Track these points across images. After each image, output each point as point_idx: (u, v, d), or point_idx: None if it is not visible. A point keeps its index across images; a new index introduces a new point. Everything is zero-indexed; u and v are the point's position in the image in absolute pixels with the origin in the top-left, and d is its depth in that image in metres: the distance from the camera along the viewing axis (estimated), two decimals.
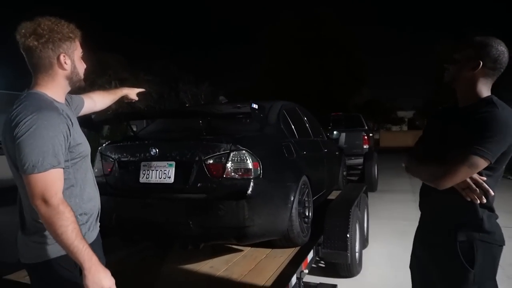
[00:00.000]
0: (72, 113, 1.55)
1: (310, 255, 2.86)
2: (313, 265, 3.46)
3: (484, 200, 1.44)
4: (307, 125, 4.21)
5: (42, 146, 1.26)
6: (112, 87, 18.50)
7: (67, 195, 1.36)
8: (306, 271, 2.69)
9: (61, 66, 1.39)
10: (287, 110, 3.69)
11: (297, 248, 2.93)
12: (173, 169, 2.60)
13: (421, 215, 1.77)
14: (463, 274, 1.48)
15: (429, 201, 1.68)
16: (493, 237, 1.51)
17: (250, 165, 2.51)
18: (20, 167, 1.27)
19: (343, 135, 5.93)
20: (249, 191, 2.46)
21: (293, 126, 3.59)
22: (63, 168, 1.34)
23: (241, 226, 2.45)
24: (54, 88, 1.42)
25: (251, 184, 2.49)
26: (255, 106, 2.66)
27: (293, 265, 2.60)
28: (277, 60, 23.07)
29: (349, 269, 3.50)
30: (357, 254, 3.61)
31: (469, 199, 1.46)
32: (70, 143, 1.38)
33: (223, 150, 2.52)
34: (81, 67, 1.49)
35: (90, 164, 1.57)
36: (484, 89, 1.53)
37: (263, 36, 24.70)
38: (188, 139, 2.71)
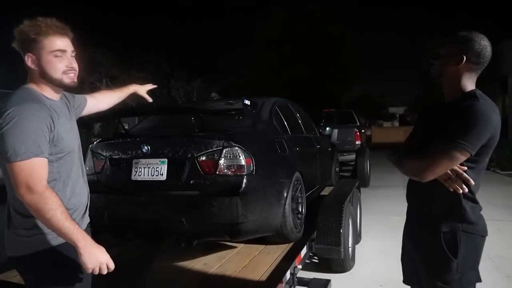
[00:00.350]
0: (67, 109, 1.55)
1: (304, 251, 2.87)
2: (307, 261, 3.47)
3: (466, 190, 1.48)
4: (300, 121, 4.21)
5: (25, 135, 1.27)
6: (103, 85, 18.35)
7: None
8: (300, 266, 2.70)
9: (30, 66, 1.42)
10: (280, 106, 3.68)
11: (291, 244, 2.94)
12: (166, 166, 2.58)
13: (408, 207, 1.80)
14: (447, 263, 1.52)
15: (414, 194, 1.72)
16: (476, 228, 1.54)
17: (243, 161, 2.50)
18: (4, 156, 1.28)
19: (336, 131, 5.96)
20: (242, 188, 2.46)
21: (285, 122, 3.59)
22: (47, 160, 1.34)
23: (235, 222, 2.45)
24: (42, 85, 1.44)
25: (244, 180, 2.48)
26: (247, 102, 2.65)
27: (287, 261, 2.60)
28: (269, 55, 23.03)
29: (342, 264, 3.53)
30: (350, 249, 3.63)
31: (451, 190, 1.49)
32: (54, 136, 1.37)
33: (216, 147, 2.51)
34: (53, 67, 1.41)
35: (78, 160, 1.54)
36: (469, 83, 1.56)
37: (256, 31, 24.56)
38: (180, 136, 2.69)
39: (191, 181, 2.51)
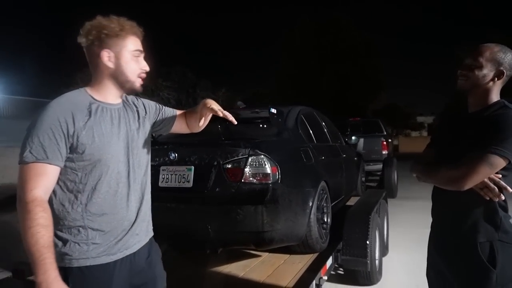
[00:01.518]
0: (126, 115, 1.41)
1: (329, 262, 2.83)
2: (332, 272, 3.41)
3: (503, 198, 1.45)
4: (325, 130, 4.18)
5: (33, 137, 1.19)
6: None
7: (70, 200, 1.26)
8: (325, 277, 2.66)
9: (104, 63, 1.32)
10: (305, 115, 3.67)
11: (316, 254, 2.90)
12: (192, 173, 2.62)
13: (434, 220, 1.74)
14: (486, 275, 1.46)
15: (443, 204, 1.66)
16: (511, 237, 1.50)
17: (268, 170, 2.50)
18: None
19: (362, 140, 5.87)
20: (267, 196, 2.45)
21: (311, 131, 3.57)
22: (53, 166, 1.21)
23: (260, 231, 2.44)
24: (97, 86, 1.35)
25: (270, 189, 2.48)
26: (273, 111, 2.66)
27: (312, 271, 2.57)
28: (294, 64, 23.04)
29: (368, 277, 3.43)
30: (377, 261, 3.54)
31: (487, 198, 1.46)
32: (75, 139, 1.23)
33: (242, 155, 2.52)
34: (130, 68, 1.34)
35: (116, 174, 1.33)
36: (496, 94, 1.56)
37: (281, 40, 24.70)
38: (207, 144, 2.72)
39: (217, 188, 2.53)
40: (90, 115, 1.28)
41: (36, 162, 1.18)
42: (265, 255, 2.94)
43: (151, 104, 1.57)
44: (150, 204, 1.52)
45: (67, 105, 1.25)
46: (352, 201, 4.42)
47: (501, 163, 1.41)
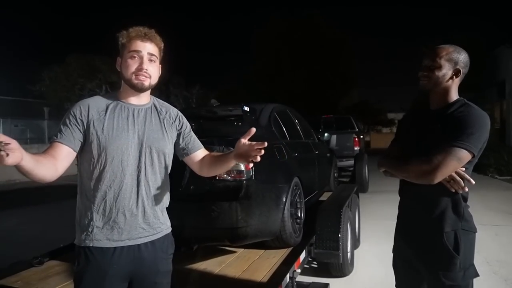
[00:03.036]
0: (148, 116, 1.54)
1: (303, 255, 2.90)
2: (306, 265, 3.49)
3: (466, 189, 1.56)
4: (298, 127, 4.25)
5: (60, 123, 1.46)
6: (102, 91, 18.39)
7: (86, 185, 1.46)
8: (299, 270, 2.73)
9: (117, 68, 1.56)
10: (278, 112, 3.73)
11: (290, 249, 2.96)
12: None
13: (402, 212, 1.83)
14: (451, 261, 1.58)
15: (411, 198, 1.75)
16: (470, 225, 1.63)
17: (242, 166, 2.54)
18: None
19: (334, 137, 6.00)
20: (241, 193, 2.49)
21: (284, 128, 3.63)
22: (68, 146, 1.41)
23: (234, 227, 2.48)
24: (121, 89, 1.56)
25: (243, 185, 2.52)
26: (246, 108, 2.70)
27: (286, 265, 2.63)
28: (266, 61, 23.09)
29: (341, 269, 3.55)
30: (349, 253, 3.66)
31: (453, 190, 1.56)
32: (86, 130, 1.44)
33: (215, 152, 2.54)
34: (126, 67, 1.48)
35: (121, 166, 1.44)
36: (455, 91, 1.67)
37: (252, 36, 24.65)
38: None
39: (191, 186, 2.55)
40: (106, 111, 1.47)
41: (53, 142, 1.41)
42: (240, 251, 2.98)
43: (185, 121, 1.69)
44: (167, 204, 1.60)
45: (90, 100, 1.50)
46: (325, 196, 4.52)
47: (467, 157, 1.52)
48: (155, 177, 1.52)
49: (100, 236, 1.43)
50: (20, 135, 16.80)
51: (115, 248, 1.43)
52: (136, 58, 1.47)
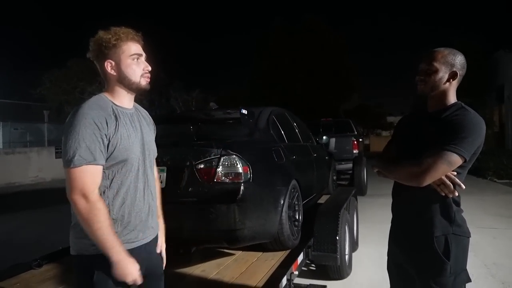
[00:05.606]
0: (139, 119, 1.56)
1: (300, 258, 2.91)
2: (304, 268, 3.50)
3: (457, 194, 1.55)
4: (297, 130, 4.28)
5: (80, 141, 1.31)
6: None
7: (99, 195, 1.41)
8: (296, 273, 2.74)
9: (109, 72, 1.47)
10: (277, 115, 3.76)
11: (288, 251, 2.98)
12: (165, 174, 2.63)
13: (394, 216, 1.83)
14: (441, 266, 1.56)
15: (402, 201, 1.75)
16: (463, 230, 1.61)
17: (240, 169, 2.56)
18: (63, 162, 1.35)
19: (333, 140, 6.02)
20: (239, 195, 2.51)
21: (282, 131, 3.66)
22: (101, 167, 1.37)
23: (232, 229, 2.50)
24: (112, 92, 1.50)
25: (242, 188, 2.54)
26: (244, 112, 2.72)
27: (284, 267, 2.64)
28: (267, 66, 23.19)
29: (339, 271, 3.56)
30: (346, 256, 3.67)
31: (443, 194, 1.55)
32: (108, 143, 1.38)
33: (214, 155, 2.57)
34: (132, 71, 1.48)
35: (138, 174, 1.50)
36: (453, 94, 1.66)
37: (254, 42, 24.79)
38: (179, 145, 2.75)
39: (190, 188, 2.57)
40: (116, 120, 1.43)
41: (87, 165, 1.32)
42: (238, 253, 2.99)
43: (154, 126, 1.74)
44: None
45: (100, 111, 1.40)
46: (324, 199, 4.54)
47: (458, 161, 1.51)
48: (153, 177, 1.63)
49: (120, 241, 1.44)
50: (20, 139, 16.83)
51: (133, 249, 1.47)
52: (139, 60, 1.50)
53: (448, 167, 1.51)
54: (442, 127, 1.56)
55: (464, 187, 1.55)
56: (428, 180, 1.53)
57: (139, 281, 1.40)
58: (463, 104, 1.63)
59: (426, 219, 1.62)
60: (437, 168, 1.50)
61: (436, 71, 1.61)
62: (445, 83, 1.62)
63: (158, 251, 1.69)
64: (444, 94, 1.64)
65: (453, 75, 1.61)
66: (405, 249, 1.72)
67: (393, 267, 1.85)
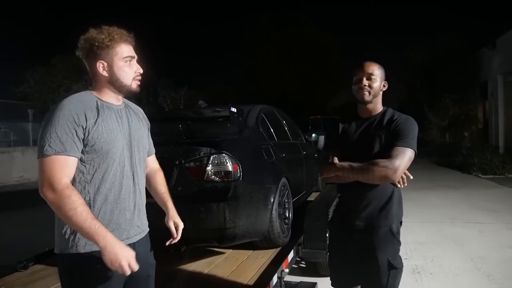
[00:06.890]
0: (128, 114, 1.53)
1: (291, 255, 2.92)
2: (294, 265, 3.51)
3: (406, 184, 1.82)
4: (286, 128, 4.28)
5: (52, 132, 1.30)
6: None
7: (78, 190, 1.35)
8: (287, 270, 2.75)
9: (100, 72, 1.45)
10: (266, 113, 3.75)
11: (278, 249, 2.98)
12: None
13: (345, 210, 1.94)
14: (397, 247, 1.86)
15: (353, 195, 1.89)
16: (400, 215, 1.90)
17: (230, 167, 2.55)
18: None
19: (322, 137, 6.03)
20: (229, 194, 2.50)
21: (272, 129, 3.65)
22: (71, 158, 1.33)
23: (222, 228, 2.49)
24: (99, 90, 1.49)
25: (231, 186, 2.53)
26: (234, 110, 2.71)
27: (274, 265, 2.65)
28: (254, 62, 23.16)
29: (328, 268, 3.57)
30: None
31: (398, 186, 1.81)
32: (86, 136, 1.35)
33: (203, 154, 2.55)
34: (124, 73, 1.46)
35: (121, 168, 1.46)
36: (381, 101, 1.93)
37: (241, 37, 24.74)
38: (168, 143, 2.72)
39: (179, 187, 2.54)
40: (98, 113, 1.41)
41: (56, 155, 1.30)
42: (229, 251, 2.99)
43: (148, 122, 1.72)
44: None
45: (79, 104, 1.38)
46: (313, 196, 4.56)
47: (413, 156, 1.77)
48: (142, 175, 1.59)
49: None
50: (3, 138, 16.46)
51: None
52: (131, 63, 1.49)
53: (409, 162, 1.75)
54: (391, 130, 1.79)
55: (412, 177, 1.82)
56: (399, 176, 1.74)
57: (135, 266, 1.34)
58: (389, 107, 1.91)
59: (386, 209, 1.83)
60: (405, 165, 1.73)
61: (376, 80, 1.84)
62: (380, 91, 1.88)
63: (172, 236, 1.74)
64: (378, 101, 1.89)
65: (384, 84, 1.89)
66: (361, 240, 1.85)
67: (338, 262, 1.99)
